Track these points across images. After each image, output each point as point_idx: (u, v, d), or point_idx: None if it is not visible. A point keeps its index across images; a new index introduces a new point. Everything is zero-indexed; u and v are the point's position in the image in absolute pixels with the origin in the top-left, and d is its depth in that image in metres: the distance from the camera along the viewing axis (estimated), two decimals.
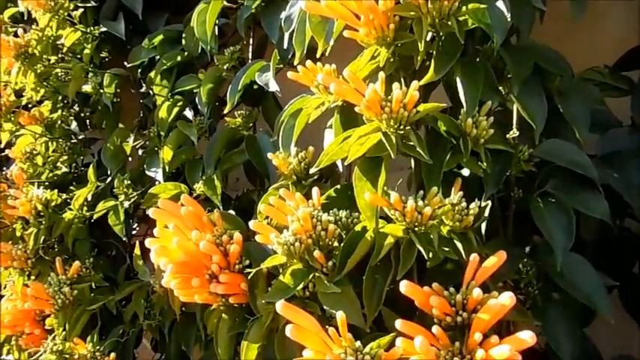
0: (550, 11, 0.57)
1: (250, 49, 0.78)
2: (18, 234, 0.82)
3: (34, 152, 0.93)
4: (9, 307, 0.80)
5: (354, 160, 0.48)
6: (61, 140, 0.95)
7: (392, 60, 0.49)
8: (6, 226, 0.84)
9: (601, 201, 0.52)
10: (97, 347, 0.75)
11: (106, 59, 0.95)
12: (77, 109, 0.99)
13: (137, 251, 0.74)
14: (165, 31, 0.86)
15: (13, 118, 0.90)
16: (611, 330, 0.58)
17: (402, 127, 0.45)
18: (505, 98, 0.52)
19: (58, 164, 0.94)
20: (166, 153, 0.76)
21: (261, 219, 0.56)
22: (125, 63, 0.89)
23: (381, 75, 0.46)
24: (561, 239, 0.50)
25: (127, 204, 0.80)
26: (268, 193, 0.58)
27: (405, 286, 0.42)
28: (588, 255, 0.53)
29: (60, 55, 0.93)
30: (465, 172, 0.55)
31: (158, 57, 0.84)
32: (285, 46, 0.66)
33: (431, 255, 0.47)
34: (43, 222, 0.77)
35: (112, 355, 0.74)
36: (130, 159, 0.90)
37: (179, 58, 0.83)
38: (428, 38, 0.48)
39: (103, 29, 0.90)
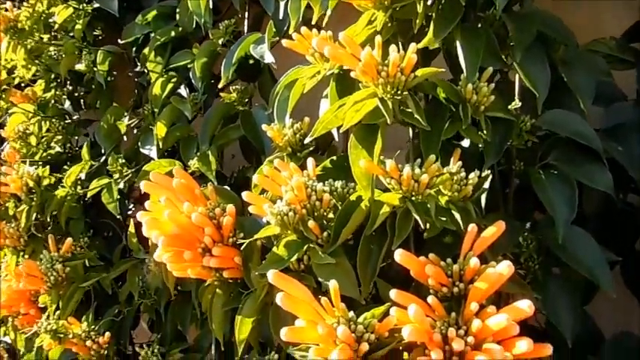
0: None
1: (246, 24, 0.76)
2: (11, 212, 0.81)
3: (27, 132, 0.92)
4: (4, 288, 0.79)
5: (351, 130, 0.47)
6: (54, 120, 0.94)
7: (389, 24, 0.48)
8: None
9: (605, 173, 0.51)
10: (92, 327, 0.74)
11: (100, 37, 0.93)
12: (71, 88, 0.97)
13: (132, 229, 0.73)
14: (159, 7, 0.84)
15: (4, 96, 0.88)
16: (611, 307, 0.57)
17: (399, 92, 0.43)
18: (507, 65, 0.50)
19: (52, 144, 0.93)
20: (160, 129, 0.75)
21: (255, 192, 0.54)
22: (119, 41, 0.87)
23: (378, 38, 0.44)
24: (563, 211, 0.49)
25: (121, 183, 0.79)
26: (263, 165, 0.57)
27: (400, 255, 0.40)
28: (590, 230, 0.51)
29: (53, 34, 0.91)
30: (465, 143, 0.54)
31: (153, 34, 0.82)
32: (281, 16, 0.64)
33: (428, 226, 0.46)
34: (35, 199, 0.76)
35: (107, 334, 0.74)
36: (125, 139, 0.88)
37: (173, 34, 0.81)
38: (429, 2, 0.46)
39: (96, 5, 0.88)
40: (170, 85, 0.79)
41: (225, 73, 0.68)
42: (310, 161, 0.50)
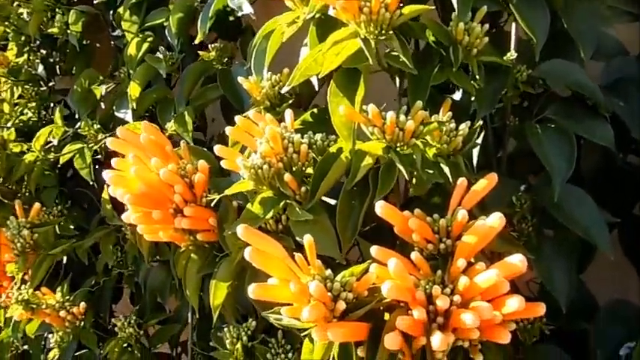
0: None
1: None
2: None
3: None
4: None
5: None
6: (27, 86, 0.89)
7: None
8: None
9: (606, 127, 0.47)
10: (67, 297, 0.71)
11: None
12: (44, 52, 0.92)
13: (105, 195, 0.69)
14: None
15: None
16: (608, 277, 0.55)
17: (383, 31, 0.39)
18: (503, 6, 0.46)
19: (25, 111, 0.88)
20: (134, 89, 0.70)
21: (233, 149, 0.50)
22: (94, 1, 0.82)
23: None
24: (561, 166, 0.45)
25: (96, 149, 0.75)
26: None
27: (381, 207, 0.37)
28: (587, 191, 0.48)
29: None
30: (457, 96, 0.50)
31: None
32: None
33: (415, 181, 0.42)
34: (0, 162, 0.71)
35: (82, 304, 0.71)
36: (103, 106, 0.84)
37: None
38: None
39: None
40: (146, 45, 0.74)
41: (202, 27, 0.64)
42: (288, 112, 0.46)
